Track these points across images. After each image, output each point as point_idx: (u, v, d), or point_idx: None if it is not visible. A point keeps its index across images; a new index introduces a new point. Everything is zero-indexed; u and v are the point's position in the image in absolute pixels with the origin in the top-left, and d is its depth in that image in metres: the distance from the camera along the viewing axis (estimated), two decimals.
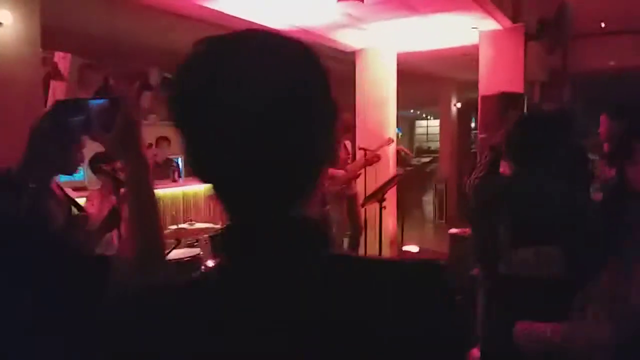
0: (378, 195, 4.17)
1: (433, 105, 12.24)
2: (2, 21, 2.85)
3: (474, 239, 2.35)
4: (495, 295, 2.13)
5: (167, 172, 5.73)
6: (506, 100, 5.33)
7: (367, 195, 4.63)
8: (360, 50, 6.57)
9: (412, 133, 21.68)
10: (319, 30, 5.74)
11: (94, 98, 1.04)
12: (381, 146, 5.60)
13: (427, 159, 19.37)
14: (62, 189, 2.48)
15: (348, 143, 5.57)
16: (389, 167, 6.19)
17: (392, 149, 6.09)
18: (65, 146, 1.05)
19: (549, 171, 2.10)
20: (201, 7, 4.66)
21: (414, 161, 19.56)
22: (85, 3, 4.94)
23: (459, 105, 10.38)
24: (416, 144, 21.98)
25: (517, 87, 5.63)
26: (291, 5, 4.82)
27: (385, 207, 4.25)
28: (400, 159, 5.93)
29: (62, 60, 6.07)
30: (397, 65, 6.65)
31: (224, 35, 0.63)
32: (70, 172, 1.70)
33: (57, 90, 6.41)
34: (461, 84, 9.85)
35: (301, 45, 0.63)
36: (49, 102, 6.38)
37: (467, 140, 11.13)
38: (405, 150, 5.72)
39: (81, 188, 4.54)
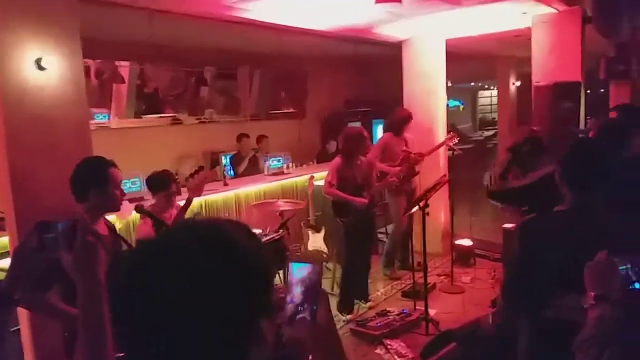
0: (419, 203, 4.12)
1: (492, 79, 11.68)
2: (46, 66, 3.03)
3: (516, 282, 2.18)
4: (540, 339, 2.01)
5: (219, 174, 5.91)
6: (560, 91, 5.05)
7: (409, 202, 4.58)
8: (406, 40, 6.39)
9: (475, 104, 20.86)
10: (362, 27, 5.65)
11: (62, 221, 1.15)
12: (444, 144, 5.62)
13: (490, 132, 18.51)
14: (110, 227, 2.62)
15: (409, 136, 5.52)
16: (439, 166, 6.12)
17: (442, 148, 5.94)
18: (44, 260, 1.16)
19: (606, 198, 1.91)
20: (242, 17, 4.72)
21: (477, 135, 18.84)
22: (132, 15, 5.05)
23: (518, 83, 9.85)
24: (479, 115, 21.15)
25: (574, 74, 5.29)
26: (329, 9, 4.77)
27: (428, 214, 4.19)
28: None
29: (122, 66, 6.59)
30: (448, 47, 6.43)
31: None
32: (48, 288, 1.97)
33: (119, 91, 6.88)
34: (519, 60, 9.35)
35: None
36: (113, 104, 6.83)
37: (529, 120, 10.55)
38: (455, 148, 5.55)
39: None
